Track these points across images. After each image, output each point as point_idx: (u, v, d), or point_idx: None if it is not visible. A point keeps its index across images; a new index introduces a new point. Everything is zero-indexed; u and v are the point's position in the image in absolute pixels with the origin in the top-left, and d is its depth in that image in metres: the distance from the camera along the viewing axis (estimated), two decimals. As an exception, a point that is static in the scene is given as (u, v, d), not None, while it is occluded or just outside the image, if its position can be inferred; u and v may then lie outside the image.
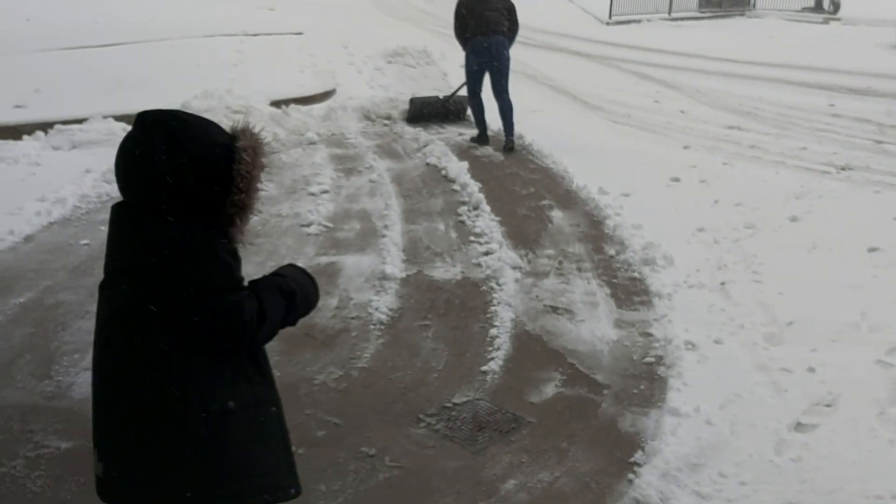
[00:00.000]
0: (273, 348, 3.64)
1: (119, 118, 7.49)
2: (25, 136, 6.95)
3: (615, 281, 4.49)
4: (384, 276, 4.52)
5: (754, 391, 3.31)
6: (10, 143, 6.73)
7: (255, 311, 1.75)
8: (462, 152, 7.29)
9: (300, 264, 4.51)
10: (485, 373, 3.53)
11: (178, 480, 1.71)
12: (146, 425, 1.70)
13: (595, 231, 5.30)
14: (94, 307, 3.86)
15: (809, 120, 8.65)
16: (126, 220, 1.79)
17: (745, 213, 5.47)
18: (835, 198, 5.85)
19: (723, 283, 4.35)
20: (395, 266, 4.66)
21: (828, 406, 3.19)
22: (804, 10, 22.34)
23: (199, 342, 1.71)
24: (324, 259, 4.79)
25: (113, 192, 5.81)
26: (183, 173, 1.70)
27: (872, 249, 4.79)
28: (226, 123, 6.72)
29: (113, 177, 5.81)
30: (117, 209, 1.81)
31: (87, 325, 3.84)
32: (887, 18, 17.61)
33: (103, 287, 1.81)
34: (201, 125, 1.80)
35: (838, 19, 21.12)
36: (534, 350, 3.74)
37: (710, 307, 4.07)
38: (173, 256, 1.67)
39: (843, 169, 6.64)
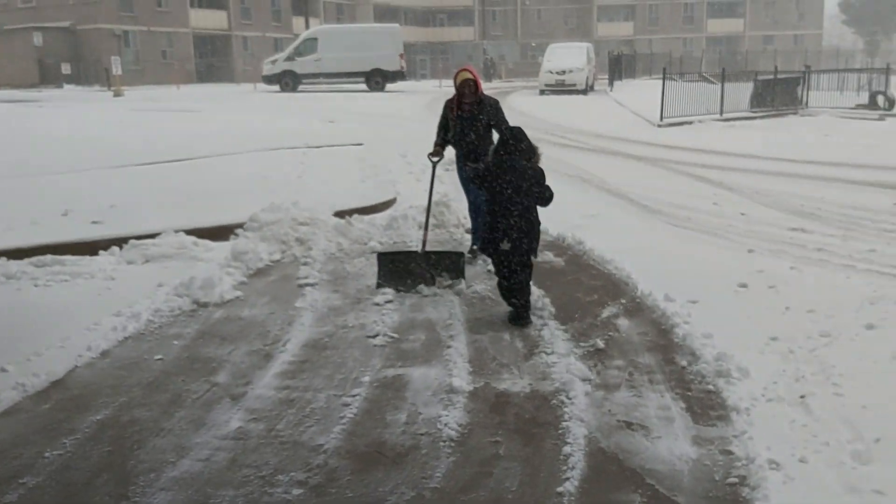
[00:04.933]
0: (343, 468, 3.66)
1: (190, 232, 7.78)
2: (101, 252, 7.23)
3: (689, 394, 4.38)
4: (451, 390, 4.49)
5: (847, 515, 3.15)
6: (87, 258, 7.00)
7: None
8: (523, 259, 7.32)
9: (366, 377, 4.57)
10: (561, 494, 3.43)
11: None
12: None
13: (664, 340, 5.22)
14: (168, 424, 3.95)
15: (875, 220, 8.52)
16: None
17: (818, 321, 5.34)
18: (911, 303, 5.68)
19: (802, 397, 4.21)
20: (461, 378, 4.64)
21: (929, 533, 3.01)
22: (858, 106, 22.39)
23: None
24: (390, 371, 4.79)
25: (185, 305, 5.98)
26: None
27: (958, 358, 4.61)
28: (291, 235, 6.94)
29: (185, 290, 5.94)
30: None
31: (161, 444, 3.89)
32: (945, 114, 17.49)
33: None
34: None
35: (894, 115, 21.05)
36: (610, 469, 3.64)
37: (792, 423, 3.93)
38: None
39: (916, 272, 6.48)
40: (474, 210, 7.22)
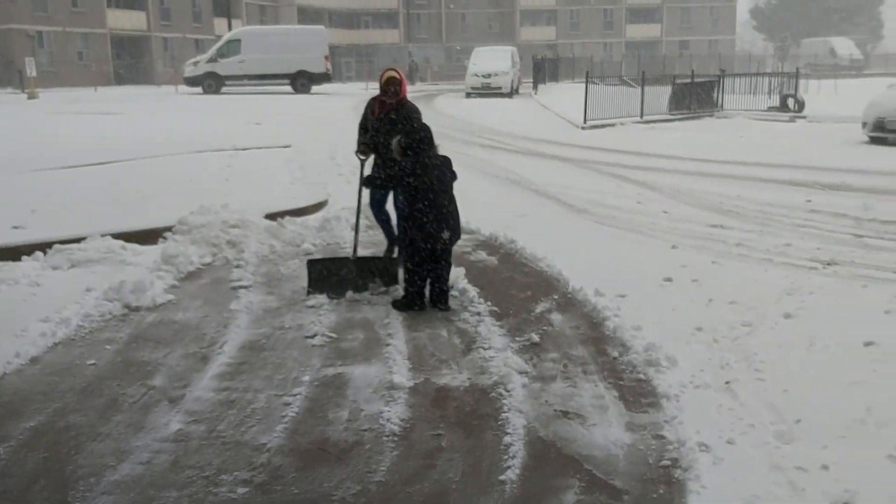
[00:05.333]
0: (287, 465, 3.68)
1: (117, 236, 7.61)
2: (24, 257, 7.01)
3: (622, 383, 4.55)
4: (392, 386, 4.55)
5: (772, 491, 3.33)
6: (10, 264, 6.77)
7: None
8: (456, 258, 7.41)
9: (306, 377, 4.58)
10: (503, 482, 3.53)
11: None
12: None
13: (596, 333, 5.39)
14: (105, 428, 3.89)
15: (790, 216, 8.94)
16: None
17: (740, 312, 5.60)
18: (825, 293, 6.01)
19: (727, 383, 4.43)
20: (402, 375, 4.70)
21: (846, 504, 3.22)
22: (770, 109, 23.31)
23: None
24: (330, 370, 4.82)
25: (116, 310, 5.86)
26: None
27: (868, 344, 4.91)
28: (222, 238, 6.84)
29: (116, 295, 5.80)
30: None
31: (100, 448, 3.83)
32: (850, 115, 18.42)
33: None
34: None
35: (804, 117, 22.03)
36: (549, 457, 3.76)
37: (719, 407, 4.14)
38: None
39: (828, 264, 6.84)
40: (385, 216, 7.11)
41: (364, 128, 6.96)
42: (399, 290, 6.19)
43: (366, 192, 6.79)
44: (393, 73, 6.78)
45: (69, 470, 3.64)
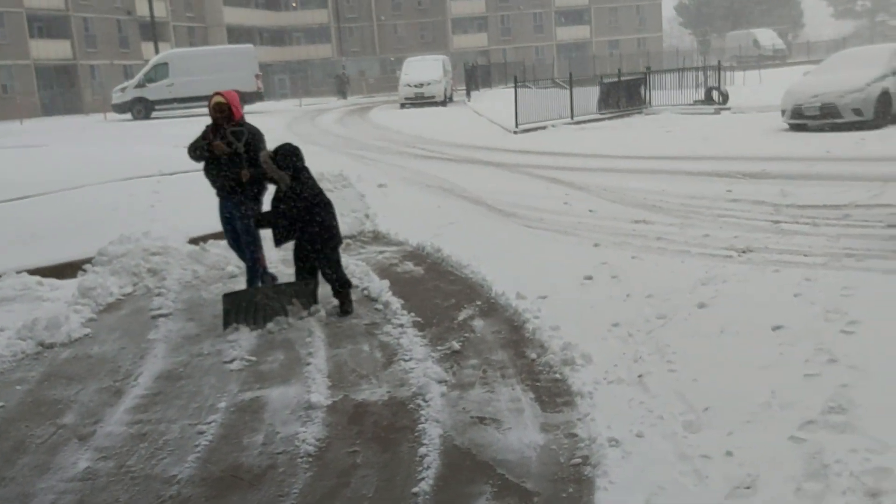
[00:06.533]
0: (197, 496, 3.61)
1: (33, 272, 7.41)
2: (-66, 300, 6.77)
3: (538, 384, 4.58)
4: (310, 406, 4.50)
5: (678, 481, 3.39)
6: (-83, 307, 6.54)
7: None
8: (382, 270, 7.42)
9: (222, 403, 4.51)
10: (416, 494, 3.52)
11: None
12: None
13: (516, 336, 5.42)
14: (10, 472, 3.77)
15: (710, 207, 9.13)
16: None
17: (656, 305, 5.70)
18: (738, 281, 6.14)
19: (640, 376, 4.50)
20: (320, 394, 4.66)
21: (748, 488, 3.29)
22: (696, 102, 23.83)
23: None
24: (248, 395, 4.75)
25: (28, 348, 5.70)
26: None
27: (776, 328, 5.04)
28: (143, 266, 6.65)
29: (28, 333, 5.63)
30: None
31: (3, 494, 3.71)
32: (771, 104, 18.95)
33: None
34: None
35: (728, 108, 22.58)
36: (464, 465, 3.76)
37: (630, 401, 4.19)
38: None
39: (743, 252, 7.00)
40: (240, 246, 6.59)
41: (199, 152, 6.33)
42: (320, 310, 6.12)
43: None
44: (219, 99, 6.19)
45: (-32, 519, 3.52)
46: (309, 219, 5.98)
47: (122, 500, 3.60)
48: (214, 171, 6.33)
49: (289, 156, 5.96)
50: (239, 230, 6.49)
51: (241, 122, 6.30)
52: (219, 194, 6.50)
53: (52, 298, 6.93)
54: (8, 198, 11.33)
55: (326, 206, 6.10)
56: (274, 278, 6.74)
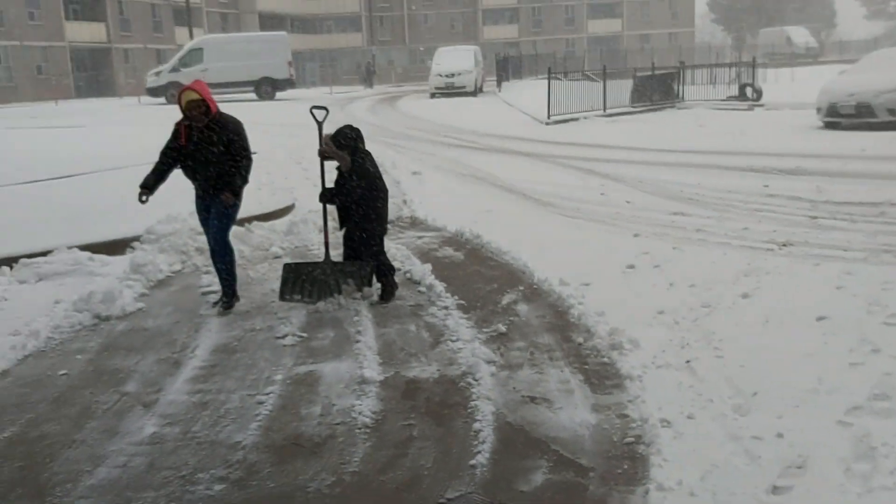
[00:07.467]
0: (263, 460, 3.76)
1: (84, 248, 7.61)
2: (-9, 272, 6.99)
3: (586, 367, 4.69)
4: (363, 381, 4.64)
5: (730, 461, 3.48)
6: (-24, 280, 6.76)
7: None
8: (423, 255, 7.54)
9: (279, 376, 4.66)
10: (473, 466, 3.64)
11: None
12: None
13: (561, 321, 5.53)
14: (80, 436, 3.94)
15: (747, 202, 9.16)
16: None
17: (699, 294, 5.78)
18: (780, 273, 6.21)
19: (688, 362, 4.59)
20: (372, 370, 4.79)
21: (799, 468, 3.38)
22: (729, 98, 23.70)
23: None
24: (302, 368, 4.90)
25: (85, 320, 5.89)
26: None
27: (820, 318, 5.11)
28: (191, 245, 6.82)
29: (85, 305, 5.79)
30: None
31: (75, 455, 3.88)
32: (805, 102, 18.82)
33: None
34: None
35: (762, 105, 22.45)
36: (518, 440, 3.87)
37: (679, 385, 4.29)
38: None
39: (784, 245, 7.05)
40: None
41: (168, 155, 5.97)
42: (373, 294, 6.23)
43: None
44: (192, 94, 5.70)
45: (45, 477, 3.69)
46: (364, 202, 6.06)
47: (191, 464, 3.76)
48: (192, 173, 5.97)
49: (348, 136, 6.05)
50: (210, 243, 6.18)
51: (219, 115, 5.86)
52: (197, 192, 6.15)
53: (102, 273, 7.12)
54: (54, 175, 11.59)
55: (384, 192, 6.17)
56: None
